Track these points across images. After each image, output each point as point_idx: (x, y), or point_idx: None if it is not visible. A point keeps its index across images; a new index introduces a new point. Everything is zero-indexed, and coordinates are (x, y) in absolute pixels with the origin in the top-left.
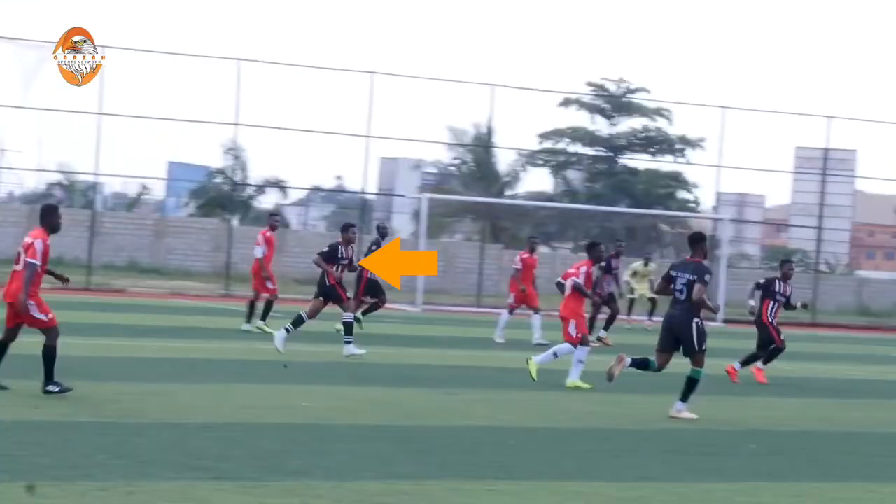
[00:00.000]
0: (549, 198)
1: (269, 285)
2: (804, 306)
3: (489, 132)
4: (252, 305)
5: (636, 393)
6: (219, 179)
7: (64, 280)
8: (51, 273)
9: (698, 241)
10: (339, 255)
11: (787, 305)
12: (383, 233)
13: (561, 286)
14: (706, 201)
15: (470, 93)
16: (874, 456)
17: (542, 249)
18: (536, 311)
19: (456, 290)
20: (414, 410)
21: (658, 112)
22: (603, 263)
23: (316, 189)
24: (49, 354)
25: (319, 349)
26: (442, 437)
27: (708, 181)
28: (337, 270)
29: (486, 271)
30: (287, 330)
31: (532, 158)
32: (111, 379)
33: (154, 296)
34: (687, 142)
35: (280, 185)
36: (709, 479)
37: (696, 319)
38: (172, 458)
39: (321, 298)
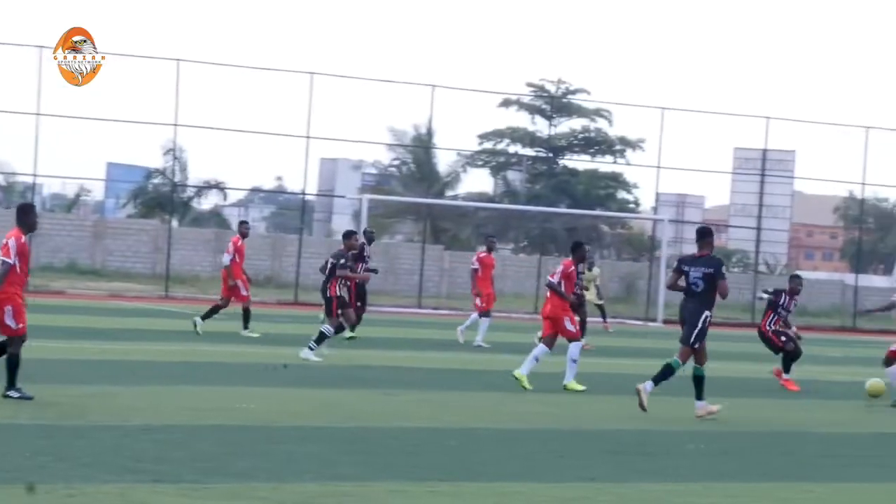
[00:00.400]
0: (490, 199)
1: (243, 292)
2: (798, 337)
3: (429, 133)
4: (215, 309)
5: (579, 394)
6: (158, 180)
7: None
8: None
9: (707, 236)
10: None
11: (786, 321)
12: (370, 237)
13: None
14: (646, 202)
15: (410, 94)
16: (813, 456)
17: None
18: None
19: (397, 292)
20: (356, 412)
21: (598, 113)
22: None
23: (256, 190)
24: (12, 361)
25: (259, 350)
26: (384, 438)
27: (647, 182)
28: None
29: (427, 272)
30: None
31: (472, 159)
32: (51, 381)
33: (93, 297)
34: (627, 143)
35: (220, 187)
36: (650, 480)
37: (706, 312)
38: (112, 461)
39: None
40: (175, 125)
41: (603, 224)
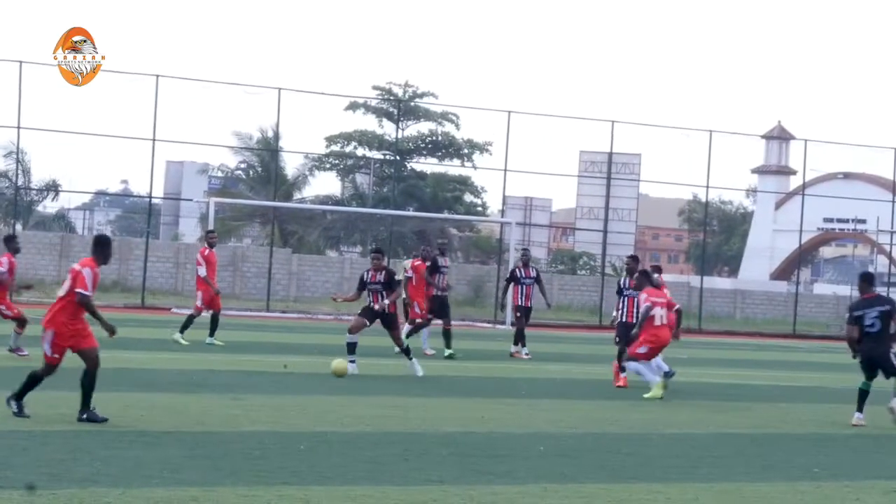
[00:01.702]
0: (337, 202)
1: (198, 302)
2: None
3: (276, 136)
4: (214, 320)
5: (425, 396)
6: (0, 184)
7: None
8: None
9: (873, 282)
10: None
11: None
12: (443, 249)
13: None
14: (493, 205)
15: (256, 97)
16: (658, 457)
17: (331, 254)
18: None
19: (245, 295)
20: (203, 416)
21: (445, 116)
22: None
23: (101, 193)
24: (34, 377)
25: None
26: (232, 442)
27: (495, 185)
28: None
29: (275, 275)
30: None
31: (319, 162)
32: None
33: None
34: (474, 146)
35: (63, 189)
36: (498, 482)
37: (893, 350)
38: None
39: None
40: (18, 127)
41: (451, 227)
